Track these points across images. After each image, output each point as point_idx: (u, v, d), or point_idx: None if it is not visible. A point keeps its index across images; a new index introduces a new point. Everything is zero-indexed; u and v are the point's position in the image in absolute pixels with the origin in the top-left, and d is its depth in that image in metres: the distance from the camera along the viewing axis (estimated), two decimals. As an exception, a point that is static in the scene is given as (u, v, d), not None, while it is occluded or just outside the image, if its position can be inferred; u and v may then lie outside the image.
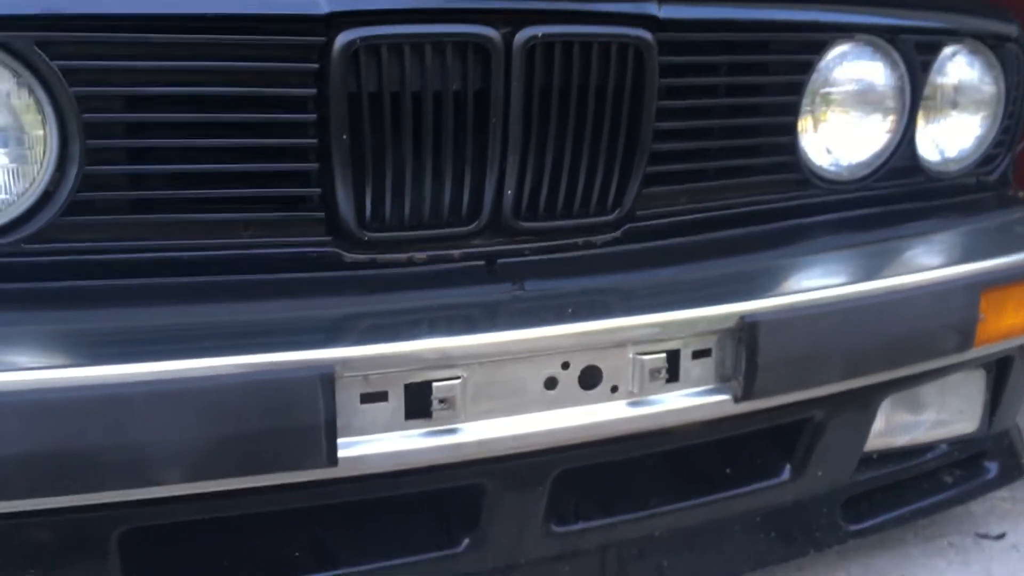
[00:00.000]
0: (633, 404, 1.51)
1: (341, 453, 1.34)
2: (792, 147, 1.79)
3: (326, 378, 1.30)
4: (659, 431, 1.61)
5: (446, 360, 1.38)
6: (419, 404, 1.39)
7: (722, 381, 1.57)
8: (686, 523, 1.81)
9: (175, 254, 1.46)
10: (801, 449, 1.84)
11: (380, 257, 1.55)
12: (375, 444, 1.38)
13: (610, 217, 1.66)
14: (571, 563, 1.73)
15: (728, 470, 1.85)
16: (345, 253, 1.52)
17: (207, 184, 1.44)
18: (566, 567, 1.72)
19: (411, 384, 1.38)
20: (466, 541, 1.61)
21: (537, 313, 1.47)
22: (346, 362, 1.33)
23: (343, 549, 1.59)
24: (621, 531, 1.75)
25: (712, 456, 1.85)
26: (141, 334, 1.35)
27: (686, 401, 1.55)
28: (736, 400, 1.57)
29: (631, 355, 1.49)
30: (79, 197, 1.39)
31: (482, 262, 1.60)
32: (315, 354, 1.31)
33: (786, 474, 1.86)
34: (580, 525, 1.70)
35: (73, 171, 1.38)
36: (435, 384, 1.38)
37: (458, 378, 1.39)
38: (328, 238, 1.51)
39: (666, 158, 1.66)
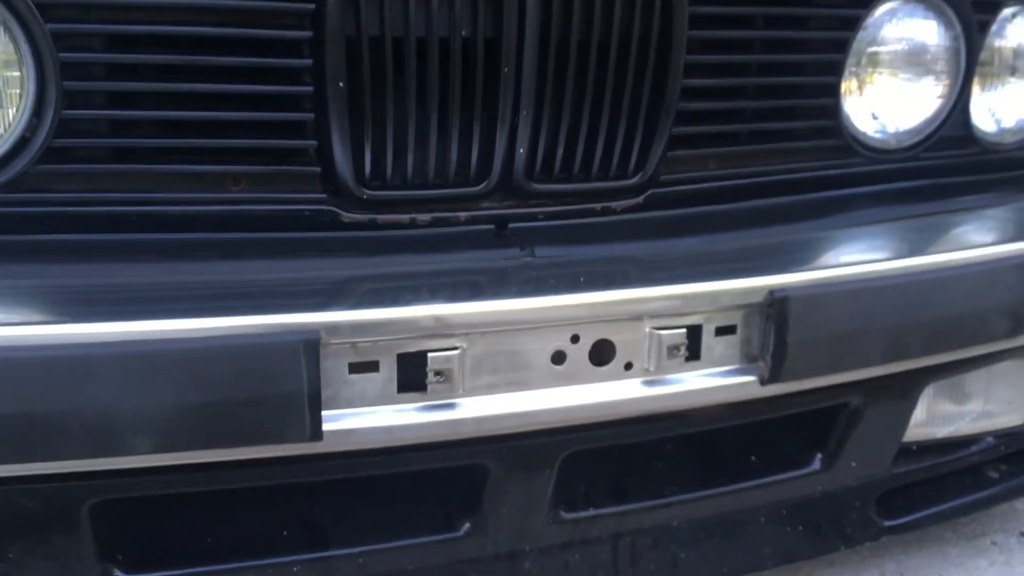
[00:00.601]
0: (649, 383, 1.39)
1: (326, 426, 1.24)
2: (834, 111, 1.66)
3: (310, 345, 1.20)
4: (677, 413, 1.49)
5: (443, 329, 1.27)
6: (413, 376, 1.28)
7: (748, 361, 1.45)
8: (706, 513, 1.69)
9: (159, 208, 1.36)
10: (834, 438, 1.71)
11: (380, 218, 1.44)
12: (364, 418, 1.27)
13: (632, 181, 1.53)
14: (580, 552, 1.61)
15: (753, 458, 1.72)
16: (343, 212, 1.42)
17: (193, 133, 1.34)
18: (575, 555, 1.61)
19: (404, 354, 1.27)
20: (467, 525, 1.51)
21: (545, 281, 1.35)
22: (333, 328, 1.22)
23: (335, 529, 1.49)
24: (635, 519, 1.63)
25: (736, 442, 1.72)
26: (114, 292, 1.25)
27: (707, 382, 1.42)
28: (762, 382, 1.44)
29: (647, 330, 1.37)
30: (56, 144, 1.29)
31: (491, 226, 1.49)
32: (299, 318, 1.21)
33: (816, 464, 1.73)
34: (591, 511, 1.58)
35: (49, 115, 1.27)
36: (430, 355, 1.26)
37: (456, 349, 1.28)
38: (324, 195, 1.40)
39: (694, 118, 1.54)
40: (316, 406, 1.21)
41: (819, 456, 1.73)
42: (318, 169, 1.39)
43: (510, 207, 1.50)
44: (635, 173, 1.53)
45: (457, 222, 1.47)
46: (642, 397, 1.39)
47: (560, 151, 1.48)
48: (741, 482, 1.69)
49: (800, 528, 1.78)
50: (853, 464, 1.74)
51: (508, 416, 1.33)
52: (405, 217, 1.45)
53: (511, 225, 1.50)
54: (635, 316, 1.36)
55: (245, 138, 1.36)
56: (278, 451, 1.25)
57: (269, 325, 1.20)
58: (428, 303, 1.27)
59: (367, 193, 1.40)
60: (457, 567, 1.54)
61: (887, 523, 1.84)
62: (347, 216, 1.42)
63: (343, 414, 1.26)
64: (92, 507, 1.31)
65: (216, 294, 1.27)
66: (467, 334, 1.29)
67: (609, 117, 1.47)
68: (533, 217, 1.51)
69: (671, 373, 1.40)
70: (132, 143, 1.34)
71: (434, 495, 1.54)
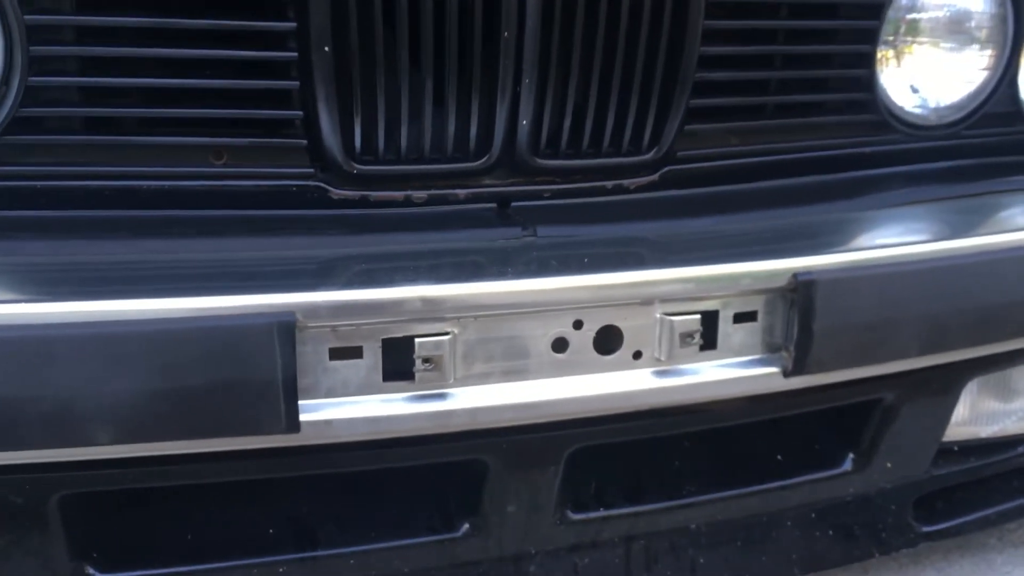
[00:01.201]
0: (659, 374, 1.28)
1: (304, 417, 1.14)
2: (869, 83, 1.54)
3: (284, 327, 1.10)
4: (693, 407, 1.38)
5: (432, 312, 1.17)
6: (399, 363, 1.18)
7: (769, 351, 1.33)
8: (728, 515, 1.57)
9: (134, 183, 1.28)
10: (867, 436, 1.59)
11: (373, 195, 1.34)
12: (346, 409, 1.17)
13: (646, 157, 1.42)
14: (590, 555, 1.50)
15: (780, 456, 1.60)
16: (332, 188, 1.32)
17: (171, 102, 1.25)
18: (584, 559, 1.50)
19: (390, 339, 1.17)
20: (466, 526, 1.40)
21: (546, 261, 1.24)
22: (310, 309, 1.12)
23: (323, 529, 1.39)
24: (650, 521, 1.52)
25: (761, 440, 1.60)
26: (79, 271, 1.17)
27: (724, 373, 1.31)
28: (786, 374, 1.32)
29: (658, 315, 1.26)
30: (23, 113, 1.21)
31: (493, 204, 1.39)
32: (273, 299, 1.11)
33: (848, 464, 1.61)
34: (601, 512, 1.48)
35: (16, 82, 1.19)
36: (418, 340, 1.16)
37: (446, 334, 1.17)
38: (312, 170, 1.31)
39: (714, 89, 1.43)
40: (292, 395, 1.12)
41: (851, 456, 1.61)
42: (305, 142, 1.30)
43: (513, 184, 1.39)
44: (649, 148, 1.42)
45: (456, 200, 1.37)
46: (652, 389, 1.28)
47: (567, 124, 1.37)
48: (766, 482, 1.57)
49: (831, 533, 1.66)
50: (888, 465, 1.62)
51: (504, 408, 1.22)
52: (399, 194, 1.35)
53: (514, 204, 1.39)
54: (644, 300, 1.25)
55: (227, 108, 1.26)
56: (253, 443, 1.16)
57: (241, 306, 1.10)
58: (415, 284, 1.16)
59: (357, 168, 1.31)
60: (456, 570, 1.44)
61: (926, 528, 1.72)
62: (337, 193, 1.33)
63: (323, 404, 1.17)
64: (61, 501, 1.23)
65: (190, 274, 1.18)
66: (459, 318, 1.18)
67: (620, 87, 1.36)
68: (538, 195, 1.40)
69: (684, 363, 1.28)
70: (105, 113, 1.25)
71: (431, 493, 1.44)
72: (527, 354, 1.22)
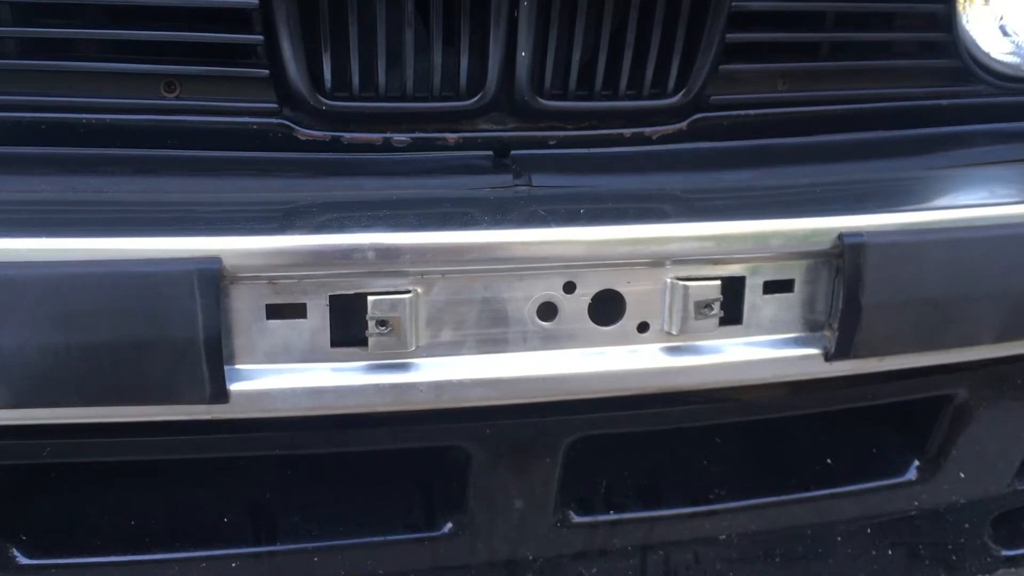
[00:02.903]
0: (670, 351, 1.07)
1: (235, 386, 0.97)
2: (947, 22, 1.33)
3: (207, 276, 0.93)
4: (715, 394, 1.16)
5: (389, 264, 0.98)
6: (350, 326, 0.99)
7: (809, 329, 1.11)
8: (765, 526, 1.36)
9: (74, 115, 1.12)
10: (935, 440, 1.38)
11: (347, 136, 1.17)
12: (285, 377, 0.99)
13: (671, 101, 1.22)
14: (599, 564, 1.31)
15: (829, 460, 1.37)
16: (298, 128, 1.15)
17: (115, 23, 1.08)
18: (592, 569, 1.30)
19: (339, 297, 0.98)
20: (449, 524, 1.21)
21: (533, 212, 1.04)
22: (240, 256, 0.94)
23: (284, 519, 1.21)
24: (670, 528, 1.32)
25: (807, 439, 1.38)
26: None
27: (751, 353, 1.09)
28: (827, 358, 1.09)
29: (669, 280, 1.04)
30: (-52, 33, 1.06)
31: (488, 152, 1.19)
32: (194, 242, 0.94)
33: (913, 472, 1.39)
34: (611, 516, 1.28)
35: (-63, -3, 1.05)
36: (371, 298, 0.98)
37: (407, 292, 0.99)
38: (275, 105, 1.13)
39: (756, 21, 1.23)
40: (216, 357, 0.94)
41: (916, 463, 1.40)
42: (267, 72, 1.12)
43: (514, 130, 1.21)
44: (676, 91, 1.22)
45: (444, 146, 1.19)
46: (661, 369, 1.07)
47: (575, 59, 1.18)
48: (812, 489, 1.36)
49: (889, 553, 1.44)
50: (961, 475, 1.40)
51: (477, 384, 1.02)
52: (377, 136, 1.17)
53: (514, 152, 1.20)
54: (653, 261, 1.04)
55: (178, 31, 1.09)
56: (177, 414, 0.99)
57: (155, 250, 0.93)
58: (370, 231, 0.97)
59: (327, 104, 1.14)
60: (439, 574, 1.24)
61: (1006, 552, 1.50)
62: (304, 133, 1.16)
63: (259, 371, 0.99)
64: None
65: (112, 217, 1.02)
66: (423, 274, 0.99)
67: (640, 14, 1.15)
68: (542, 143, 1.21)
69: (700, 339, 1.07)
70: (41, 33, 1.10)
71: (412, 484, 1.25)
72: (506, 321, 1.03)
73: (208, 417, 0.99)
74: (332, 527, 1.22)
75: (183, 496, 1.22)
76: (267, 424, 1.05)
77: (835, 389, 1.19)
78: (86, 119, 1.13)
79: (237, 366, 0.98)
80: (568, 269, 1.03)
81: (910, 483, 1.38)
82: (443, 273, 1.00)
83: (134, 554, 1.18)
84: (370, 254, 0.97)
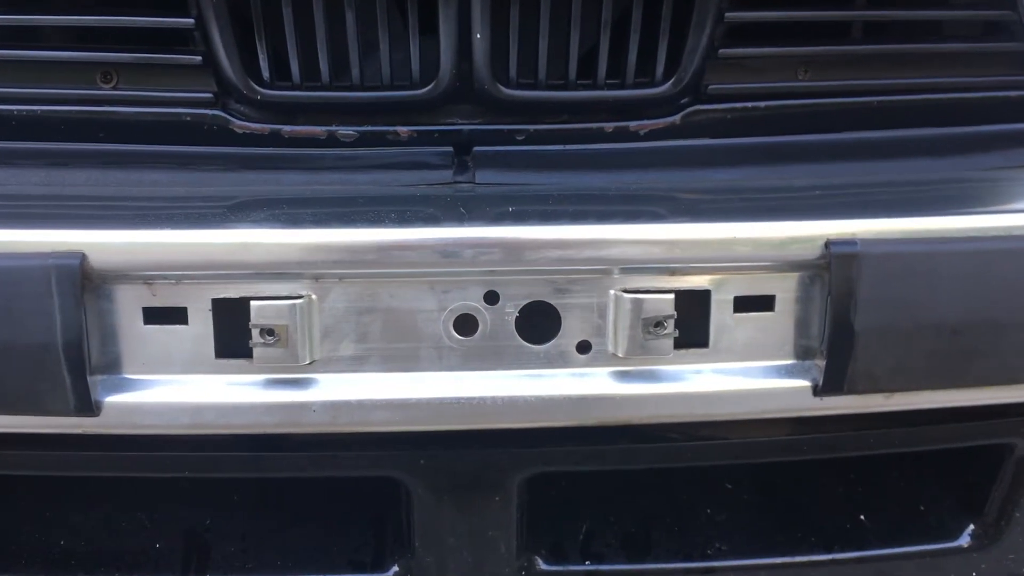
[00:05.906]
0: (617, 376, 0.91)
1: (109, 398, 0.86)
2: None
3: (66, 273, 0.83)
4: (692, 430, 0.98)
5: (275, 265, 0.86)
6: (236, 335, 0.87)
7: (798, 357, 0.92)
8: (781, 590, 1.14)
9: (7, 108, 1.05)
10: (995, 499, 1.13)
11: (287, 129, 1.06)
12: (161, 390, 0.88)
13: (660, 90, 1.06)
14: (574, 623, 1.12)
15: (863, 517, 1.16)
16: (234, 119, 1.05)
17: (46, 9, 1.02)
18: (565, 628, 1.12)
19: (222, 301, 0.87)
20: (394, 568, 1.07)
21: (453, 209, 0.89)
22: (107, 252, 0.84)
23: (220, 547, 1.10)
24: (660, 587, 1.12)
25: (837, 489, 1.16)
26: None
27: (719, 382, 0.91)
28: (816, 392, 0.90)
29: (613, 292, 0.88)
30: None
31: (447, 148, 1.06)
32: (52, 236, 0.84)
33: (966, 538, 1.15)
34: (586, 566, 1.10)
35: None
36: (254, 304, 0.85)
37: (297, 298, 0.86)
38: (210, 96, 1.04)
39: (762, -3, 1.03)
40: (78, 364, 0.85)
41: (971, 527, 1.14)
42: (199, 59, 1.03)
43: (475, 123, 1.06)
44: (665, 78, 1.05)
45: (396, 140, 1.06)
46: (604, 397, 0.91)
47: (543, 41, 1.02)
48: (837, 551, 1.14)
49: (939, 633, 1.19)
50: None
51: (381, 407, 0.89)
52: (320, 130, 1.06)
53: (477, 149, 1.05)
54: (592, 269, 0.88)
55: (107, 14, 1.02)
56: (48, 426, 0.89)
57: (10, 243, 0.84)
58: (257, 226, 0.86)
59: (262, 93, 1.03)
60: (388, 622, 1.10)
61: None
62: (240, 125, 1.06)
63: (136, 381, 0.88)
64: None
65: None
66: (317, 277, 0.87)
67: (616, -13, 1.00)
68: (508, 138, 1.06)
69: (655, 363, 0.90)
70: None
71: (365, 518, 1.12)
72: (417, 335, 0.89)
73: (83, 431, 0.89)
74: (270, 560, 1.10)
75: (116, 518, 1.13)
76: (169, 442, 0.94)
77: (838, 430, 0.99)
78: (17, 111, 1.07)
79: (112, 375, 0.87)
80: (489, 276, 0.88)
81: (962, 550, 1.15)
82: (340, 277, 0.87)
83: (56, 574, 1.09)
84: (251, 252, 0.85)
